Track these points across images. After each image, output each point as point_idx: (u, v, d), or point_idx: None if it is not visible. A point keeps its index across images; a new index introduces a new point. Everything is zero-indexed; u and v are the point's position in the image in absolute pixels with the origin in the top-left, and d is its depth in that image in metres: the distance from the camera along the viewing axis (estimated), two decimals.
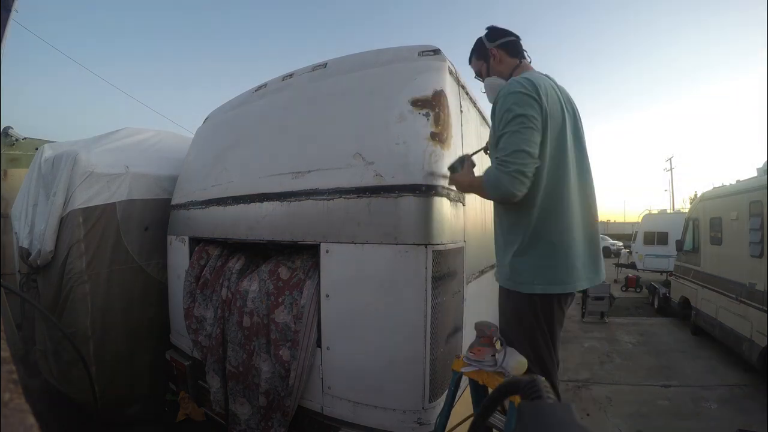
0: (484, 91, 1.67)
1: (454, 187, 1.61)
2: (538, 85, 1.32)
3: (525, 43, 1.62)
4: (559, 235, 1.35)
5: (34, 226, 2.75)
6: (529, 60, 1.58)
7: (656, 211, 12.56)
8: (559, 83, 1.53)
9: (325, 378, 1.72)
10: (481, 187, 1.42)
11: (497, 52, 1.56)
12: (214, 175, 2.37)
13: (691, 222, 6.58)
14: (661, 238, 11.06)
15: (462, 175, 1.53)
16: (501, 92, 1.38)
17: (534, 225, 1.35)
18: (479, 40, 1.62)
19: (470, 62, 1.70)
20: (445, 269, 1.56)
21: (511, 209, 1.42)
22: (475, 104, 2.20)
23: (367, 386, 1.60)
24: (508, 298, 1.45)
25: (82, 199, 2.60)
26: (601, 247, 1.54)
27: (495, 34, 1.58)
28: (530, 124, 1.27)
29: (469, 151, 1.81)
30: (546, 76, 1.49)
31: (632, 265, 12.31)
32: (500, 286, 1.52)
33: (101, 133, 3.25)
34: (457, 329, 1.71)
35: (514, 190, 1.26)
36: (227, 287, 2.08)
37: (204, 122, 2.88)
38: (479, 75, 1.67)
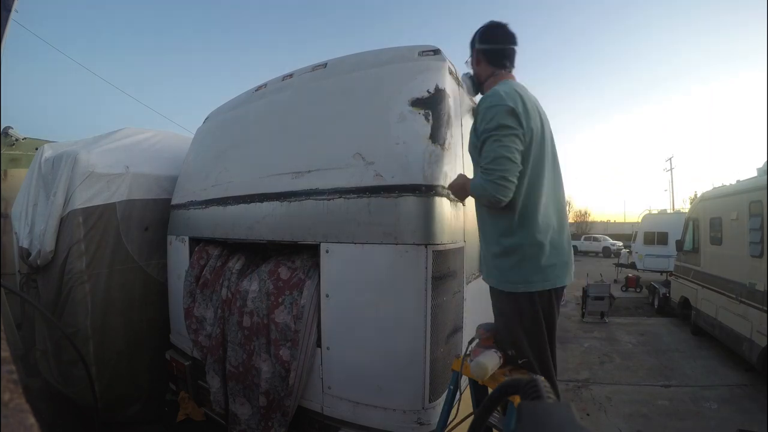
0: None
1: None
2: (515, 96, 1.38)
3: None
4: (545, 235, 1.40)
5: (34, 226, 2.75)
6: (509, 70, 1.56)
7: (656, 211, 12.54)
8: (530, 91, 1.55)
9: (325, 378, 1.72)
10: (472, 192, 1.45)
11: (478, 55, 1.57)
12: (214, 175, 2.37)
13: (691, 222, 6.58)
14: (661, 238, 11.05)
15: (456, 181, 1.55)
16: (483, 105, 1.41)
17: (519, 225, 1.39)
18: (474, 34, 1.59)
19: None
20: (445, 269, 1.56)
21: (495, 213, 1.44)
22: (475, 104, 2.20)
23: (367, 386, 1.60)
24: (508, 299, 1.43)
25: (82, 199, 2.61)
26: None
27: (485, 37, 1.56)
28: (511, 133, 1.34)
29: (468, 151, 1.81)
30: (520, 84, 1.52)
31: (632, 265, 12.31)
32: (493, 288, 1.50)
33: (101, 133, 3.25)
34: (457, 329, 1.71)
35: (499, 195, 1.32)
36: (227, 287, 2.08)
37: (204, 122, 2.88)
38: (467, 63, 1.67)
